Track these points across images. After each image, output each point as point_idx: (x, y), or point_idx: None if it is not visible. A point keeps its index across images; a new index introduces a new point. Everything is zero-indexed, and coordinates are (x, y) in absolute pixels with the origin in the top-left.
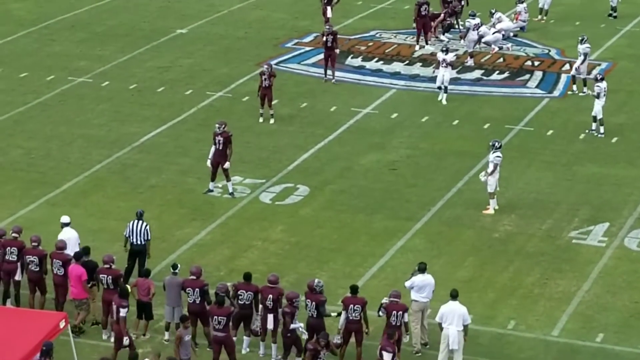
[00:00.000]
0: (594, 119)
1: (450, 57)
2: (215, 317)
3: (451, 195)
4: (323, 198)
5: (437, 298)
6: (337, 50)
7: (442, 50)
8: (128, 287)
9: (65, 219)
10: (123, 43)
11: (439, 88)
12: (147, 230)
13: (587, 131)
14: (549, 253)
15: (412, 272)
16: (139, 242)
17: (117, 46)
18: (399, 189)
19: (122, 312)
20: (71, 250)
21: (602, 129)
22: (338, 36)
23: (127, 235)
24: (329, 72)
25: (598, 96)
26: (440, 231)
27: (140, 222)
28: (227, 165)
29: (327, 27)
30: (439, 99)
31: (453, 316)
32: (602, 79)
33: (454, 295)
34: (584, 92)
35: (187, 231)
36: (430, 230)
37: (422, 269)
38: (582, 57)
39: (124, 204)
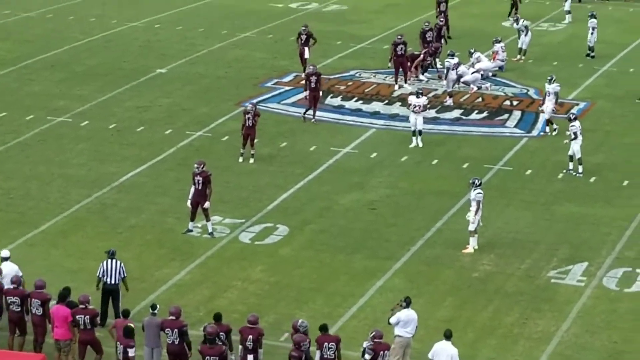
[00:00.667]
0: (570, 158)
1: (422, 101)
2: (207, 357)
3: (431, 234)
4: (303, 238)
5: (416, 338)
6: (321, 92)
7: (415, 93)
8: (132, 325)
9: (4, 253)
10: (102, 82)
11: (413, 133)
12: (122, 268)
13: (564, 171)
14: (528, 293)
15: (392, 308)
16: (113, 282)
17: (96, 86)
18: (378, 228)
19: (131, 352)
20: (7, 285)
21: (580, 169)
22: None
23: (100, 276)
24: (310, 111)
25: (575, 136)
26: (420, 271)
27: (113, 260)
28: (207, 205)
29: (311, 67)
30: (411, 145)
31: (442, 355)
32: (575, 119)
33: (447, 335)
34: (555, 129)
35: (167, 271)
36: (409, 269)
37: (408, 302)
38: (553, 97)
39: (103, 244)
